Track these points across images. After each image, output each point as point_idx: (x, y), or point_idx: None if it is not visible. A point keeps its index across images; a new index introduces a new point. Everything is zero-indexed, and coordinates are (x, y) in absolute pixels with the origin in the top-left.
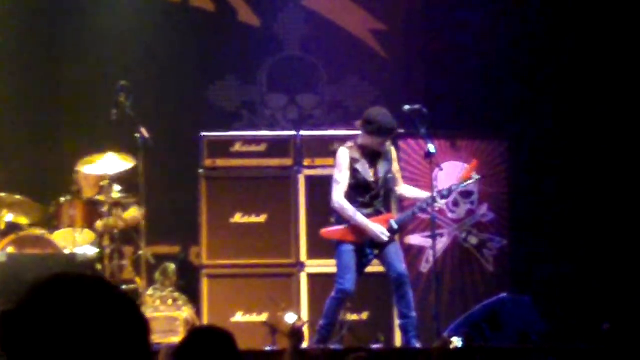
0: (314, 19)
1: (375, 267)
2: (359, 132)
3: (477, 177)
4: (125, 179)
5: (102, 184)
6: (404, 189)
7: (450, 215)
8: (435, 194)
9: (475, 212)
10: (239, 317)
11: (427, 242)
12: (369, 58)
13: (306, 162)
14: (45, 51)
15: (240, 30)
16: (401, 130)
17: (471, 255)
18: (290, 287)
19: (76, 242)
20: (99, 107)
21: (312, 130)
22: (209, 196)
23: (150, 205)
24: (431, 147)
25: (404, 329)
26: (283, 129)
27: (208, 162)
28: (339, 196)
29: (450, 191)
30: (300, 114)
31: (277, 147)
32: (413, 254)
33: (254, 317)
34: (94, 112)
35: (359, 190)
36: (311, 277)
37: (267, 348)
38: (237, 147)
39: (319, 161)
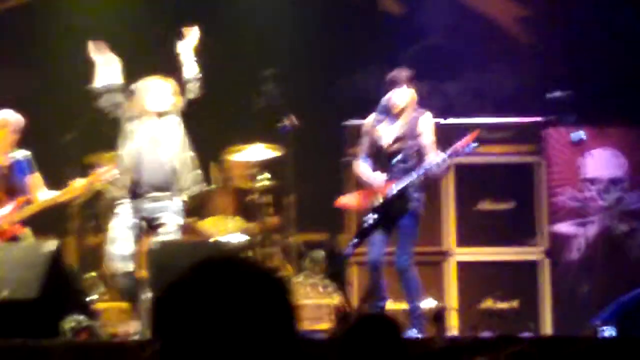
0: (457, 6)
1: (520, 255)
2: (503, 120)
3: (475, 145)
4: (273, 167)
5: (250, 172)
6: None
7: (600, 202)
8: (430, 163)
9: (625, 199)
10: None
11: (576, 230)
12: (513, 45)
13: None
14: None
15: (382, 19)
16: (547, 118)
17: (621, 242)
18: (440, 275)
19: (226, 230)
20: (246, 96)
21: (456, 118)
22: (353, 184)
23: (298, 192)
24: (577, 135)
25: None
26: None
27: (351, 150)
28: (356, 160)
29: (444, 160)
30: (444, 102)
31: None
32: (561, 242)
33: (400, 305)
34: (240, 101)
35: (377, 154)
36: (459, 265)
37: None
38: None
39: None
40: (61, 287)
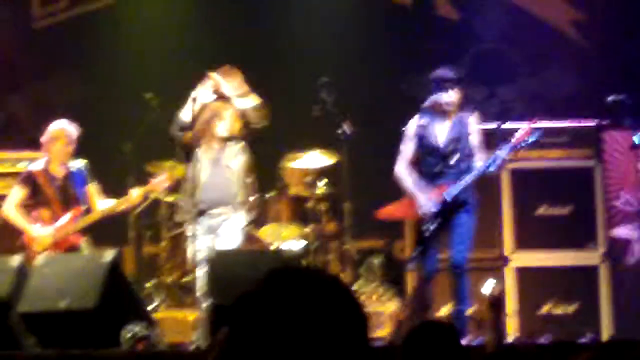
0: (513, 10)
1: (578, 260)
2: (560, 124)
3: (534, 138)
4: (330, 174)
5: (307, 179)
6: (477, 165)
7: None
8: (487, 161)
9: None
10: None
11: (635, 234)
12: (570, 48)
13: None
14: (248, 48)
15: (438, 23)
16: (605, 122)
17: None
18: (498, 281)
19: (282, 238)
20: (302, 103)
21: (513, 122)
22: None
23: (355, 199)
24: (637, 138)
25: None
26: (483, 121)
27: None
28: (397, 167)
29: (497, 158)
30: (500, 106)
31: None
32: (619, 247)
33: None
34: (297, 108)
35: (426, 158)
36: (517, 271)
37: (472, 342)
38: None
39: (521, 154)
40: (120, 296)
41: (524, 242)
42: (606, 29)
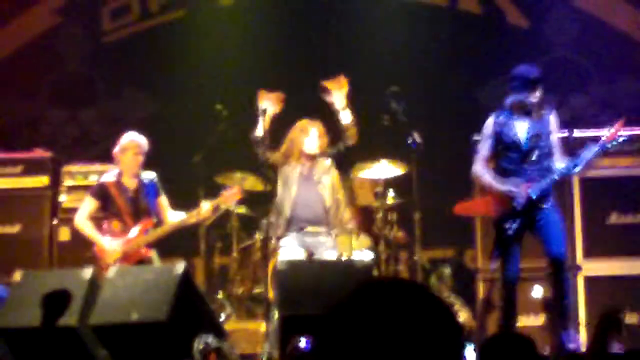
0: (584, 18)
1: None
2: (631, 131)
3: (624, 137)
4: (399, 184)
5: (376, 189)
6: (557, 164)
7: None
8: (573, 160)
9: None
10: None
11: None
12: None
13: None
14: (316, 59)
15: (509, 31)
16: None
17: None
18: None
19: (352, 248)
20: (372, 113)
21: (584, 130)
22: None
23: (424, 209)
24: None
25: (556, 318)
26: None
27: None
28: (476, 166)
29: (584, 158)
30: (571, 114)
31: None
32: None
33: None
34: (367, 118)
35: (506, 155)
36: (587, 280)
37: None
38: None
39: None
40: (191, 308)
41: (594, 250)
42: None
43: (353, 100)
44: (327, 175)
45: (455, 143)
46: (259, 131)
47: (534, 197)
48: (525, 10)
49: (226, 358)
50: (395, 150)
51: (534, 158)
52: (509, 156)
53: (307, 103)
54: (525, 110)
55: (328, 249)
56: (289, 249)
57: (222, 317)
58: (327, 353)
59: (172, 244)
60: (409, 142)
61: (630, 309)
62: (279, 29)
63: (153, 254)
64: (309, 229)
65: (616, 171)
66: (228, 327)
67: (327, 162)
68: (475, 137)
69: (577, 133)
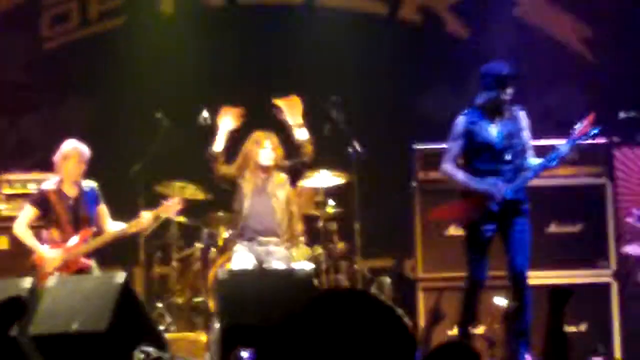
0: (523, 28)
1: (589, 278)
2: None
3: (595, 131)
4: (339, 194)
5: (317, 199)
6: (529, 163)
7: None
8: (547, 157)
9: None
10: (455, 330)
11: None
12: (580, 66)
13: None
14: (257, 68)
15: (448, 41)
16: (617, 139)
17: None
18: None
19: (293, 258)
20: (313, 123)
21: None
22: (423, 209)
23: (364, 218)
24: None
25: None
26: None
27: (421, 175)
28: (445, 165)
29: (559, 153)
30: None
31: None
32: (630, 264)
33: (479, 329)
34: (308, 128)
35: (479, 155)
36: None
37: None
38: None
39: None
40: (132, 318)
41: (534, 260)
42: (616, 45)
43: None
44: (281, 189)
45: (396, 152)
46: (218, 146)
47: (509, 197)
48: (464, 20)
49: None
50: (336, 159)
51: (507, 157)
52: (482, 156)
53: (251, 115)
54: (497, 109)
55: (278, 259)
56: (240, 258)
57: (162, 327)
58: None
59: (110, 254)
60: (349, 151)
61: (570, 318)
62: (219, 38)
63: (93, 263)
64: (260, 239)
65: (555, 181)
66: (168, 337)
67: (283, 175)
68: (416, 146)
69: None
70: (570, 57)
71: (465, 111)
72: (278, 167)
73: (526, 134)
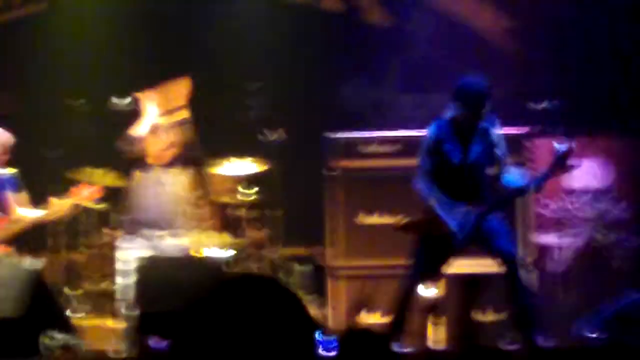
0: (445, 18)
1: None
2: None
3: (563, 149)
4: (258, 181)
5: (235, 186)
6: (506, 180)
7: (586, 213)
8: (528, 182)
9: (611, 210)
10: (365, 317)
11: (561, 241)
12: (500, 56)
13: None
14: (176, 55)
15: (370, 30)
16: (533, 129)
17: (604, 254)
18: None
19: (212, 245)
20: (233, 110)
21: None
22: (337, 197)
23: (284, 207)
24: (562, 146)
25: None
26: (413, 129)
27: (335, 163)
28: (420, 182)
29: (538, 184)
30: (430, 114)
31: (407, 148)
32: (544, 253)
33: (380, 319)
34: (226, 115)
35: (444, 176)
36: (448, 278)
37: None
38: (367, 147)
39: None
40: (43, 305)
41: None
42: (535, 37)
43: (214, 97)
44: (179, 176)
45: (316, 141)
46: (139, 131)
47: (480, 217)
48: (387, 9)
49: (74, 354)
50: (255, 147)
51: (476, 175)
52: (445, 180)
53: None
54: (468, 127)
55: (174, 249)
56: (135, 248)
57: (71, 313)
58: (183, 351)
59: (21, 240)
60: (267, 138)
61: (488, 307)
62: (140, 25)
63: (10, 251)
64: (156, 231)
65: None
66: (79, 323)
67: (181, 163)
68: (332, 135)
69: None
70: (489, 47)
71: (435, 123)
72: (177, 156)
73: (499, 148)
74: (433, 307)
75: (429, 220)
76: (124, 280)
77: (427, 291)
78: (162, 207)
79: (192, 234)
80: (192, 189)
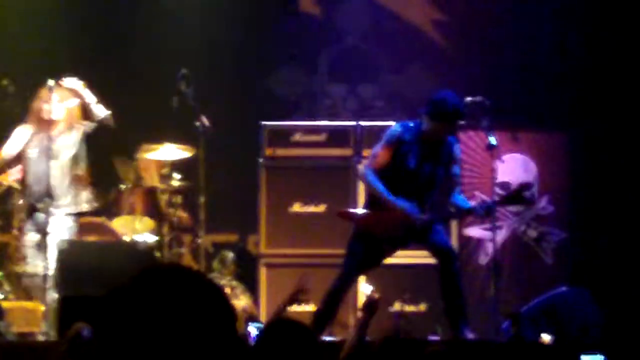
0: (375, 8)
1: (428, 259)
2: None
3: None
4: (185, 167)
5: (162, 172)
6: (455, 199)
7: (509, 207)
8: (477, 206)
9: (535, 204)
10: (296, 306)
11: (486, 235)
12: (430, 48)
13: (366, 153)
14: (107, 39)
15: (301, 19)
16: (462, 122)
17: (530, 248)
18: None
19: (136, 230)
20: (160, 95)
21: (372, 120)
22: (268, 186)
23: (209, 193)
24: (492, 140)
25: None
26: (343, 119)
27: (268, 152)
28: (369, 171)
29: (490, 208)
30: (360, 104)
31: (337, 137)
32: (472, 246)
33: (311, 307)
34: (155, 100)
35: (398, 179)
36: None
37: (326, 338)
38: (297, 136)
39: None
40: None
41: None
42: (466, 30)
43: (142, 81)
44: (69, 149)
45: (243, 129)
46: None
47: (422, 226)
48: None
49: (2, 336)
50: (183, 133)
51: (430, 188)
52: (405, 180)
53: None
54: (435, 140)
55: (61, 229)
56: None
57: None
58: (106, 338)
59: None
60: (197, 125)
61: (410, 298)
62: (69, 6)
63: None
64: (41, 205)
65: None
66: (5, 305)
67: (74, 135)
68: (264, 123)
69: (365, 123)
70: (422, 39)
71: (404, 124)
72: (70, 125)
73: (455, 168)
74: (371, 306)
75: (376, 218)
76: (44, 262)
77: (363, 286)
78: (49, 177)
79: (119, 218)
80: (80, 163)
